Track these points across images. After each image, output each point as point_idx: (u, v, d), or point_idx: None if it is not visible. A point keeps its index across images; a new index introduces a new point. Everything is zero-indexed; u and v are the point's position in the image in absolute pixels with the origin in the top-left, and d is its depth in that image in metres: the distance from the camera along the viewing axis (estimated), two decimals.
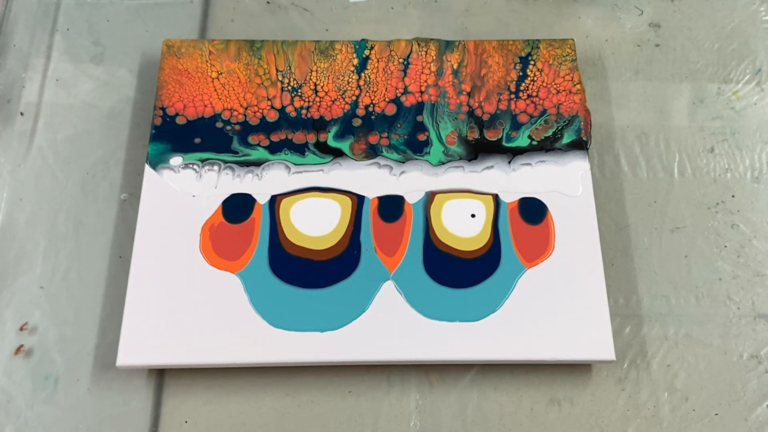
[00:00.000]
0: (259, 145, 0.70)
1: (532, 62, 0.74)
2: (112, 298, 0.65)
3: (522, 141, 0.70)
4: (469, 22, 0.80)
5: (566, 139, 0.71)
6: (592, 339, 0.62)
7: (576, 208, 0.67)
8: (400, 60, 0.74)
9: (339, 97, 0.72)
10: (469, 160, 0.70)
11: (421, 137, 0.71)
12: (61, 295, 0.66)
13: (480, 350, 0.61)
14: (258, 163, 0.69)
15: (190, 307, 0.62)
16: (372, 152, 0.70)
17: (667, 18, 0.81)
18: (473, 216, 0.67)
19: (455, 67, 0.74)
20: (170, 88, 0.72)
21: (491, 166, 0.69)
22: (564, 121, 0.71)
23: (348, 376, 0.63)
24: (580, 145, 0.70)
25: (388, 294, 0.63)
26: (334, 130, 0.71)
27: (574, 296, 0.63)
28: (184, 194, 0.67)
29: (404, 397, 0.63)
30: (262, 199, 0.67)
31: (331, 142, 0.70)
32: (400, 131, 0.71)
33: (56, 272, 0.67)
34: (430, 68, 0.74)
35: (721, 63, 0.79)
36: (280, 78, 0.73)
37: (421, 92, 0.73)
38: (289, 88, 0.73)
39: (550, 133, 0.71)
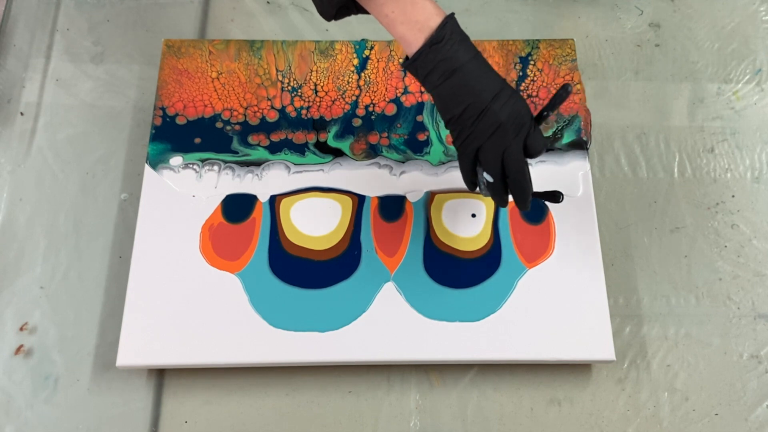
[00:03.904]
0: (259, 145, 0.70)
1: (532, 62, 0.74)
2: (112, 298, 0.65)
3: None
4: (469, 22, 0.80)
5: (566, 139, 0.71)
6: (592, 339, 0.62)
7: (576, 208, 0.67)
8: (400, 60, 0.74)
9: (339, 97, 0.72)
10: None
11: (421, 137, 0.71)
12: (61, 295, 0.66)
13: (480, 350, 0.61)
14: (258, 163, 0.69)
15: (190, 307, 0.62)
16: (372, 152, 0.70)
17: (667, 18, 0.81)
18: (474, 216, 0.67)
19: None
20: (170, 88, 0.72)
21: None
22: (564, 121, 0.71)
23: (348, 376, 0.63)
24: (580, 145, 0.70)
25: (389, 294, 0.63)
26: (334, 130, 0.71)
27: (575, 296, 0.63)
28: (184, 194, 0.67)
29: (404, 397, 0.63)
30: (262, 198, 0.67)
31: (331, 142, 0.70)
32: (400, 131, 0.71)
33: (56, 272, 0.67)
34: None
35: (721, 63, 0.79)
36: (280, 78, 0.73)
37: (421, 92, 0.73)
38: (289, 88, 0.73)
39: (550, 133, 0.71)
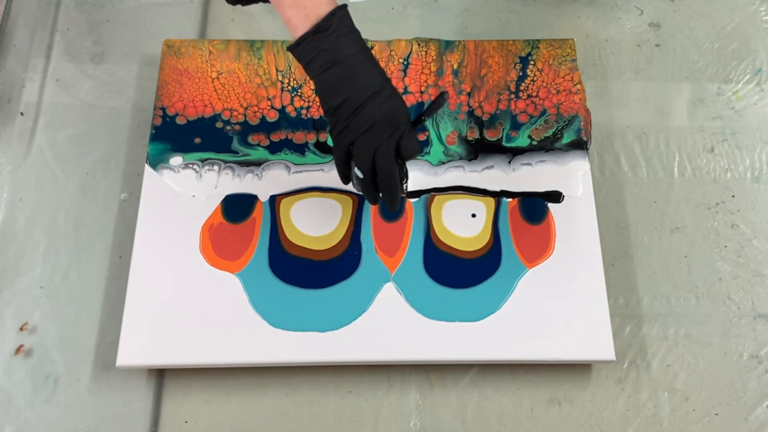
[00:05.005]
0: (259, 145, 0.70)
1: (532, 62, 0.74)
2: (112, 298, 0.65)
3: (522, 141, 0.70)
4: (469, 22, 0.80)
5: (566, 139, 0.71)
6: (592, 339, 0.62)
7: (576, 208, 0.67)
8: (400, 60, 0.74)
9: None
10: (469, 160, 0.70)
11: (421, 137, 0.71)
12: (61, 295, 0.66)
13: (480, 350, 0.61)
14: (258, 163, 0.69)
15: (190, 307, 0.62)
16: None
17: (667, 18, 0.81)
18: (474, 216, 0.67)
19: (455, 67, 0.74)
20: (170, 88, 0.72)
21: (491, 166, 0.69)
22: (564, 121, 0.71)
23: (348, 376, 0.63)
24: (580, 145, 0.70)
25: (389, 294, 0.63)
26: None
27: (575, 296, 0.63)
28: (184, 194, 0.67)
29: (404, 397, 0.63)
30: (262, 198, 0.67)
31: (331, 142, 0.70)
32: None
33: (56, 272, 0.67)
34: (430, 68, 0.74)
35: (721, 63, 0.79)
36: (280, 78, 0.73)
37: (421, 92, 0.73)
38: (289, 88, 0.73)
39: (550, 133, 0.71)
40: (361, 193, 0.60)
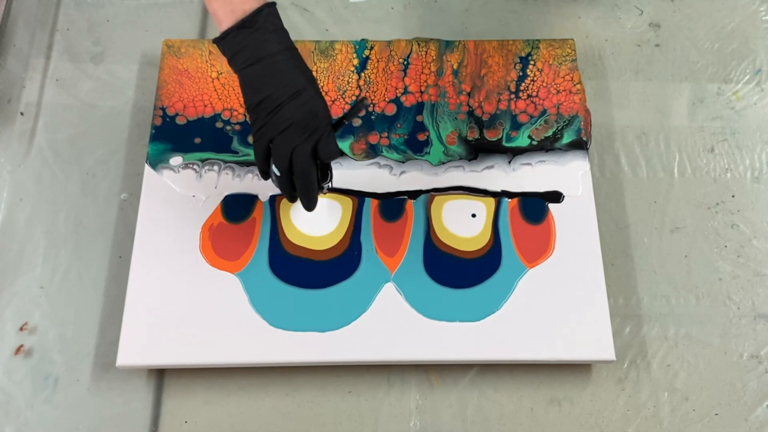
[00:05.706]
0: None
1: (532, 62, 0.74)
2: (112, 298, 0.65)
3: (522, 141, 0.70)
4: (469, 22, 0.80)
5: (566, 139, 0.71)
6: (592, 339, 0.62)
7: (576, 208, 0.67)
8: (400, 60, 0.74)
9: (339, 97, 0.72)
10: (469, 160, 0.70)
11: (421, 137, 0.71)
12: (61, 295, 0.66)
13: (480, 350, 0.61)
14: None
15: (190, 307, 0.62)
16: (372, 152, 0.70)
17: (667, 18, 0.81)
18: (474, 216, 0.67)
19: (455, 67, 0.74)
20: (170, 88, 0.72)
21: (491, 166, 0.69)
22: (564, 121, 0.71)
23: (348, 376, 0.63)
24: (580, 145, 0.70)
25: (389, 294, 0.63)
26: None
27: (575, 296, 0.63)
28: (184, 194, 0.67)
29: (404, 397, 0.63)
30: (262, 198, 0.67)
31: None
32: (400, 131, 0.71)
33: (56, 272, 0.67)
34: (430, 68, 0.74)
35: (721, 63, 0.79)
36: None
37: (421, 92, 0.73)
38: None
39: (550, 133, 0.71)
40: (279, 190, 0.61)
